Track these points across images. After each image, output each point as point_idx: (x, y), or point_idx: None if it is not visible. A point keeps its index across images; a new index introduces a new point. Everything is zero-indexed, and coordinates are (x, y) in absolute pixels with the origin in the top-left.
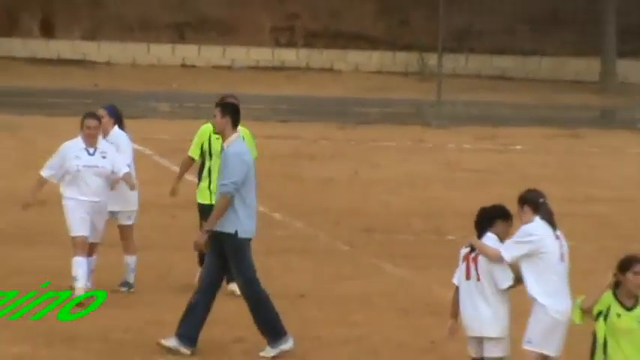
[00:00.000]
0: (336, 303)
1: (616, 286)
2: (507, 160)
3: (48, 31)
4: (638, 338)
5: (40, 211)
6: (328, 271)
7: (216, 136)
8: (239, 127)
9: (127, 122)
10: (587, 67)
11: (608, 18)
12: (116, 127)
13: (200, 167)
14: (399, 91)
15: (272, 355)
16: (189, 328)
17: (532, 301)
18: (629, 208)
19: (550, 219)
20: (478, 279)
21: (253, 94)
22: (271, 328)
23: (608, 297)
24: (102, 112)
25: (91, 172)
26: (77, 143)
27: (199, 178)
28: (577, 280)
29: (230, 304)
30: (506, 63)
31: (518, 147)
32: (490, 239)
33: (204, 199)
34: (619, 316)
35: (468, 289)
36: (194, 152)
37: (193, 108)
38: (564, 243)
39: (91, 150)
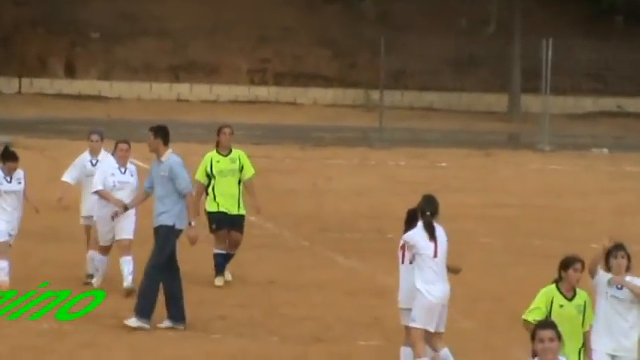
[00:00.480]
0: (299, 288)
1: (558, 281)
2: (434, 174)
3: (71, 72)
4: (576, 324)
5: (65, 215)
6: (292, 262)
7: (217, 159)
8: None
9: (134, 145)
10: (497, 101)
11: (514, 61)
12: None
13: (206, 186)
14: (348, 119)
15: (134, 325)
16: (147, 305)
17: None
18: (532, 211)
19: (428, 227)
20: (410, 262)
21: (234, 122)
22: (145, 305)
23: (550, 292)
24: (95, 137)
25: (122, 186)
26: (111, 162)
27: (207, 193)
28: (492, 270)
29: (224, 291)
30: (433, 97)
31: (443, 164)
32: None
33: (211, 208)
34: (562, 306)
35: (405, 270)
36: (201, 177)
37: (185, 134)
38: (441, 242)
39: (123, 169)
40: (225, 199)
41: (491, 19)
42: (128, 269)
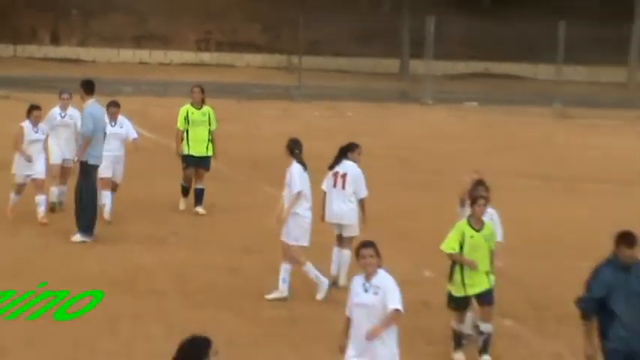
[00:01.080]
0: (234, 210)
1: (470, 217)
2: (342, 122)
3: (55, 40)
4: (484, 250)
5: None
6: (229, 191)
7: (191, 111)
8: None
9: (103, 99)
10: (391, 64)
11: (404, 33)
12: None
13: (185, 132)
14: (274, 79)
15: (79, 240)
16: (87, 222)
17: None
18: (420, 152)
19: (301, 162)
20: (343, 187)
21: (184, 81)
22: (85, 223)
23: (462, 226)
24: (65, 95)
25: (114, 137)
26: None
27: (182, 139)
28: (387, 198)
29: (179, 214)
30: (342, 62)
31: (350, 114)
32: (351, 165)
33: (184, 151)
34: (472, 237)
35: (336, 193)
36: (181, 125)
37: (146, 90)
38: (342, 174)
39: (113, 123)
40: (196, 143)
41: (386, 1)
42: (109, 204)
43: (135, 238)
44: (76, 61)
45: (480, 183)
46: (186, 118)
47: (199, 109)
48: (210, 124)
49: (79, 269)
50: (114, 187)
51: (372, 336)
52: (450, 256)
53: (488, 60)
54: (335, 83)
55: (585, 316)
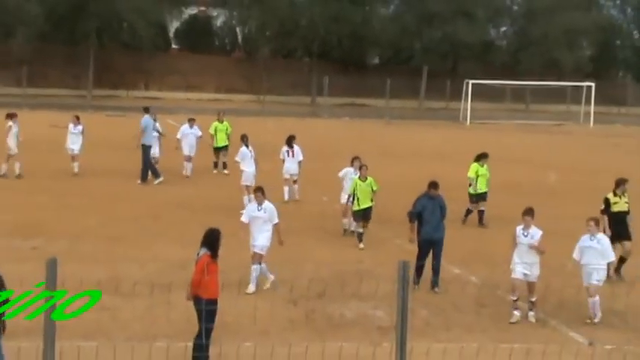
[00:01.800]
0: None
1: (359, 176)
2: (280, 127)
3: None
4: (368, 193)
5: None
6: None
7: (217, 123)
8: None
9: None
10: (307, 99)
11: (313, 84)
12: None
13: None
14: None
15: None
16: None
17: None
18: (325, 144)
19: (246, 141)
20: (293, 156)
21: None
22: None
23: (355, 180)
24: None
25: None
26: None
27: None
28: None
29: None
30: (282, 99)
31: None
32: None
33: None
34: (360, 185)
35: (288, 159)
36: (212, 130)
37: None
38: (292, 151)
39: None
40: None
41: (306, 67)
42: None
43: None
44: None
45: (356, 159)
46: (215, 128)
47: (222, 122)
48: (227, 131)
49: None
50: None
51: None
52: (350, 195)
53: (356, 97)
54: (284, 109)
55: (411, 220)
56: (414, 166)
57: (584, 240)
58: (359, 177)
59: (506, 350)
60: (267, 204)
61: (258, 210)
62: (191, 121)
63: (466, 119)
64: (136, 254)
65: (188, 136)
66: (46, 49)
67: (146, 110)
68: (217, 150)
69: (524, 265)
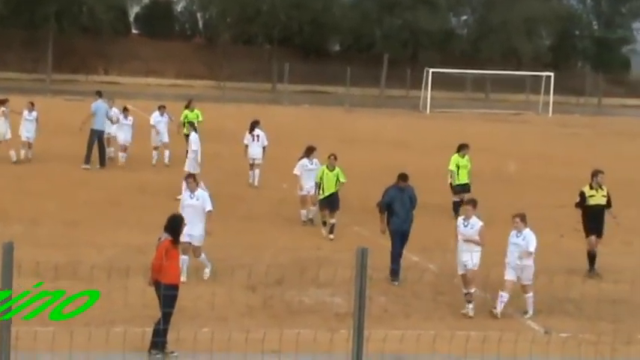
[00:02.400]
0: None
1: (327, 165)
2: (251, 112)
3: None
4: (332, 180)
5: None
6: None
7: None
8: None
9: None
10: (268, 86)
11: (274, 71)
12: None
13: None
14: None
15: None
16: None
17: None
18: (289, 128)
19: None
20: (258, 140)
21: None
22: None
23: (322, 169)
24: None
25: None
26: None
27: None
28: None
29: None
30: (243, 85)
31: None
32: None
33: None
34: (327, 174)
35: (253, 143)
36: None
37: None
38: (256, 135)
39: None
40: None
41: (267, 55)
42: None
43: None
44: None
45: (311, 149)
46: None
47: (192, 110)
48: (197, 119)
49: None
50: None
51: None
52: (316, 184)
53: (317, 84)
54: (245, 95)
55: (381, 211)
56: (374, 154)
57: (511, 236)
58: (327, 166)
59: (462, 337)
60: (200, 192)
61: (191, 198)
62: (161, 109)
63: (426, 108)
64: (94, 239)
65: (159, 123)
66: (4, 33)
67: (99, 94)
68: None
69: (464, 254)
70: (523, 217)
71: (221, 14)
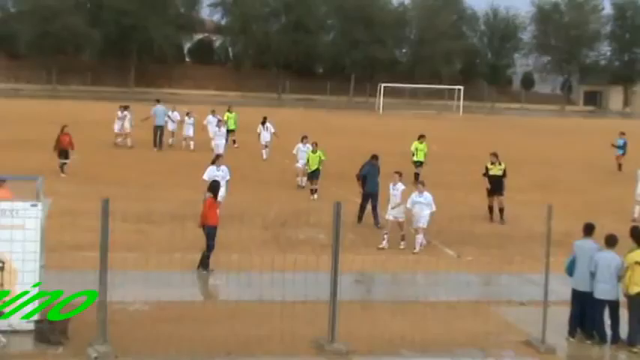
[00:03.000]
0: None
1: (313, 148)
2: (256, 115)
3: None
4: (315, 161)
5: None
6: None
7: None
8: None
9: None
10: (273, 95)
11: (279, 84)
12: None
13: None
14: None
15: None
16: None
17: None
18: (288, 125)
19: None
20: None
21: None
22: None
23: (308, 151)
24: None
25: None
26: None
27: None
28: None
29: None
30: (252, 94)
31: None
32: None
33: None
34: (311, 155)
35: (218, 134)
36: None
37: None
38: (266, 126)
39: None
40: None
41: (273, 69)
42: None
43: None
44: None
45: (305, 137)
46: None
47: (231, 112)
48: (235, 118)
49: None
50: None
51: None
52: (305, 162)
53: (308, 94)
54: (260, 102)
55: (359, 179)
56: (346, 140)
57: (415, 196)
58: (311, 150)
59: (403, 259)
60: (223, 167)
61: (217, 170)
62: (213, 112)
63: (379, 109)
64: (161, 195)
65: (212, 123)
66: (103, 61)
67: (157, 101)
68: (229, 131)
69: (394, 210)
70: (423, 184)
71: (244, 49)
